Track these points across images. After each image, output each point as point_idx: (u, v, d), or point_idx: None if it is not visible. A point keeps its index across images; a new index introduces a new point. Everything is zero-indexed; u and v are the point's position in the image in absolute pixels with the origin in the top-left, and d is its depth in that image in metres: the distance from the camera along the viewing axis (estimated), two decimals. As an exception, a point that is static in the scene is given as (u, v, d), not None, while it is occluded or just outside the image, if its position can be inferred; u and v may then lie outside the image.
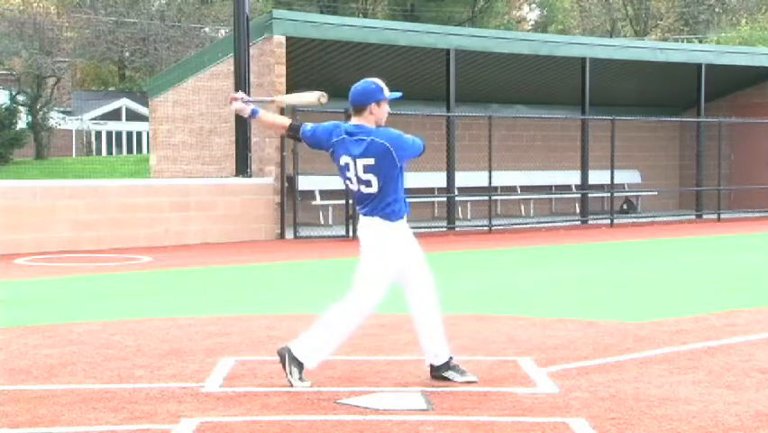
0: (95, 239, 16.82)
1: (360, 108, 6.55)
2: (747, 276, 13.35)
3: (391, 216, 6.52)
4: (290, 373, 6.45)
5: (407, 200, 6.65)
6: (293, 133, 6.86)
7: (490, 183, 21.26)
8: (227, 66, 19.71)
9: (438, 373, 6.64)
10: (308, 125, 6.83)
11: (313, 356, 6.49)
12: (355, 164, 6.50)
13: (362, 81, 6.63)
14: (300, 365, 6.45)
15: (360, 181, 6.53)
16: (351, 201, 19.04)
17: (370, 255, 6.55)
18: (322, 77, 21.59)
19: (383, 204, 6.50)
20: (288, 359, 6.45)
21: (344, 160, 6.55)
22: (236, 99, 6.88)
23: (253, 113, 6.87)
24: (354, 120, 6.59)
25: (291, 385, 6.41)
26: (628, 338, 8.25)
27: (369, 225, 6.56)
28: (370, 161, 6.46)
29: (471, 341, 8.14)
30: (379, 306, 6.64)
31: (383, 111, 6.57)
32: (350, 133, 6.55)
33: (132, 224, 17.27)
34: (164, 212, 17.71)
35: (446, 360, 6.65)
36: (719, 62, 25.76)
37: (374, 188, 6.49)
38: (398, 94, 6.67)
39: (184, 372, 6.98)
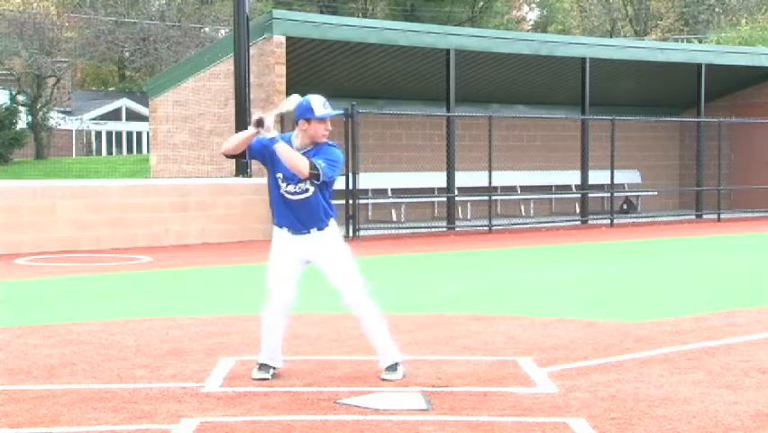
0: (95, 239, 16.82)
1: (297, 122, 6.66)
2: (747, 276, 13.35)
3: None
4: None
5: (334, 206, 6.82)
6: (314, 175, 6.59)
7: (490, 183, 21.26)
8: (227, 66, 19.71)
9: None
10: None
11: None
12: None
13: (308, 96, 6.69)
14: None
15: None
16: (351, 201, 19.04)
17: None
18: (322, 77, 21.61)
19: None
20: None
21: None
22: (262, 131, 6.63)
23: (272, 141, 6.60)
24: (294, 133, 6.69)
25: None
26: (628, 338, 8.26)
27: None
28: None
29: (471, 341, 8.15)
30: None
31: (314, 129, 6.59)
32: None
33: (132, 224, 17.27)
34: (164, 212, 17.70)
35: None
36: (719, 62, 25.76)
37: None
38: (338, 112, 6.81)
39: (184, 372, 6.98)
